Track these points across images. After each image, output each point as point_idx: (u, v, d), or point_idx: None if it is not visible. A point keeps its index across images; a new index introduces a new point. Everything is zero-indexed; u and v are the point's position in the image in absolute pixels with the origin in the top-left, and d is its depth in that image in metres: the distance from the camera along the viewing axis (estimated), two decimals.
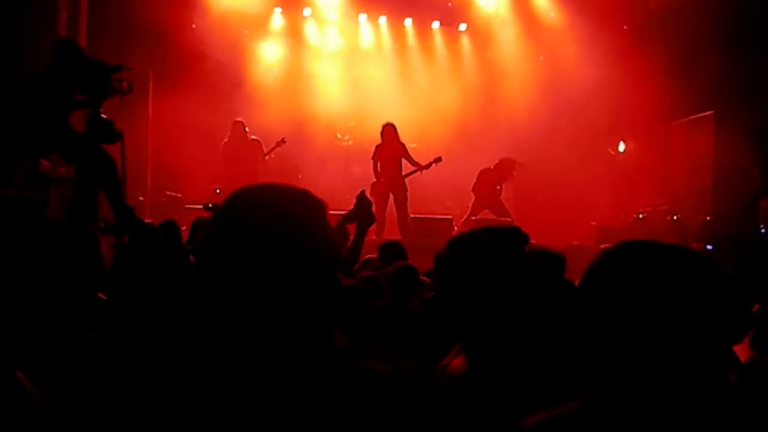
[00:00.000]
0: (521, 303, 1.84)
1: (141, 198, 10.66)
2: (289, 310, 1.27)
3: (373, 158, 11.46)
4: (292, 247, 1.27)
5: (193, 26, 12.65)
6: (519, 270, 1.94)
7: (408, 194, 11.44)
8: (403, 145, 11.42)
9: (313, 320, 1.30)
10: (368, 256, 5.97)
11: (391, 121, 11.51)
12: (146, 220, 7.71)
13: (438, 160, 11.54)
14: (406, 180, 11.48)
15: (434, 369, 2.16)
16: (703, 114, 12.28)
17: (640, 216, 11.78)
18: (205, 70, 12.20)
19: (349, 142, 14.16)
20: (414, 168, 11.47)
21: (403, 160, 11.39)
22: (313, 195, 1.38)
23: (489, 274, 1.92)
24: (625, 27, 13.40)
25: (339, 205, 12.37)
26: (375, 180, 11.37)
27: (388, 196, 11.21)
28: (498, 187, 12.07)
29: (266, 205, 1.33)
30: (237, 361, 1.23)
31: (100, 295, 2.72)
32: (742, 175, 11.13)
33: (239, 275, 1.26)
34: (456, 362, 2.10)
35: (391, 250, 5.84)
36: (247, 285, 1.26)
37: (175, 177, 11.56)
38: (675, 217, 11.35)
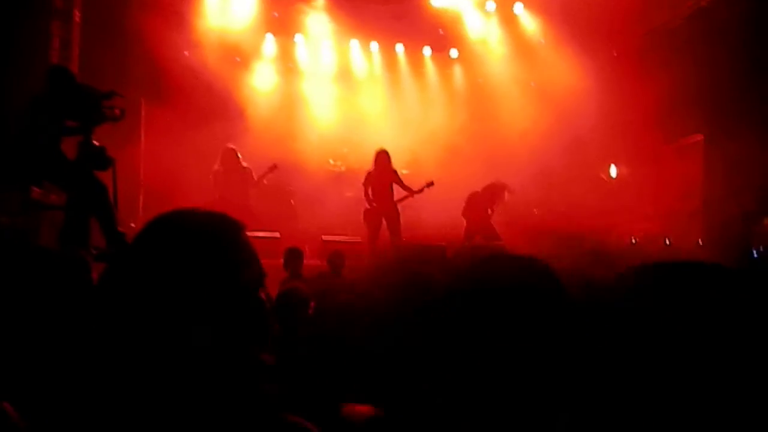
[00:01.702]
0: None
1: (133, 225, 10.60)
2: (209, 332, 1.26)
3: (364, 184, 11.47)
4: (209, 266, 1.28)
5: (186, 53, 12.70)
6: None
7: (401, 220, 11.45)
8: (395, 171, 11.43)
9: (235, 342, 1.29)
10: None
11: (383, 146, 11.54)
12: None
13: (430, 184, 11.55)
14: (399, 206, 11.50)
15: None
16: (693, 138, 12.39)
17: (633, 240, 11.80)
18: (196, 97, 12.21)
19: (342, 168, 14.17)
20: (406, 193, 11.50)
21: (395, 186, 11.41)
22: (230, 216, 1.39)
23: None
24: (615, 53, 13.54)
25: (333, 229, 12.50)
26: (367, 206, 11.38)
27: (381, 222, 11.20)
28: (489, 210, 12.07)
29: (183, 229, 1.34)
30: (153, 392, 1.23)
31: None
32: (733, 197, 11.20)
33: (154, 297, 1.26)
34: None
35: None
36: (162, 307, 1.25)
37: (168, 204, 11.48)
38: (667, 241, 11.38)
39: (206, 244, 1.31)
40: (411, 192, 11.50)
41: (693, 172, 12.42)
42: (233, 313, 1.29)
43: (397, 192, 11.51)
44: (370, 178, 11.31)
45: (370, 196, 11.28)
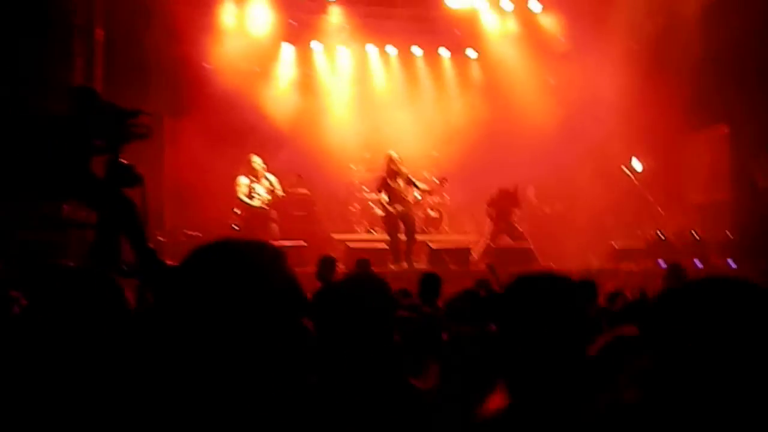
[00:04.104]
0: (575, 348, 1.84)
1: (161, 238, 10.71)
2: (256, 359, 1.30)
3: (377, 189, 11.55)
4: (253, 296, 1.32)
5: (205, 65, 12.79)
6: (582, 322, 1.94)
7: (417, 220, 11.62)
8: (407, 173, 11.44)
9: (281, 368, 1.33)
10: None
11: (403, 148, 11.69)
12: (168, 261, 7.73)
13: (443, 181, 11.70)
14: (418, 207, 11.65)
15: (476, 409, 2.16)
16: (718, 128, 12.28)
17: (660, 235, 11.70)
18: (217, 109, 12.28)
19: (364, 173, 14.21)
20: (421, 194, 11.64)
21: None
22: (271, 245, 1.45)
23: (554, 326, 1.92)
24: (633, 44, 13.42)
25: (358, 234, 12.56)
26: (384, 211, 11.41)
27: (399, 226, 11.24)
28: (513, 212, 12.03)
29: (227, 259, 1.38)
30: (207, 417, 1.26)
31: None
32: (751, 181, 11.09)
33: (202, 328, 1.31)
34: (497, 400, 2.09)
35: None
36: (211, 337, 1.30)
37: (193, 215, 11.65)
38: (696, 235, 11.27)
39: (251, 275, 1.35)
40: (425, 191, 11.61)
41: (719, 163, 12.32)
42: (278, 340, 1.32)
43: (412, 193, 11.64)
44: (384, 182, 11.34)
45: (385, 200, 11.32)
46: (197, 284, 1.36)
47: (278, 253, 1.43)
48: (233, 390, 1.29)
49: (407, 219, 11.27)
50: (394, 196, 11.23)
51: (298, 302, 1.41)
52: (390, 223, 11.31)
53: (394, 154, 11.30)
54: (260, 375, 1.30)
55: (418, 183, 11.52)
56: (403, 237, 11.20)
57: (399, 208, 11.19)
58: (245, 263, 1.38)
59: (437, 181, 12.61)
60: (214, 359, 1.30)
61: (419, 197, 11.80)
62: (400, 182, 11.25)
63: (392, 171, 11.23)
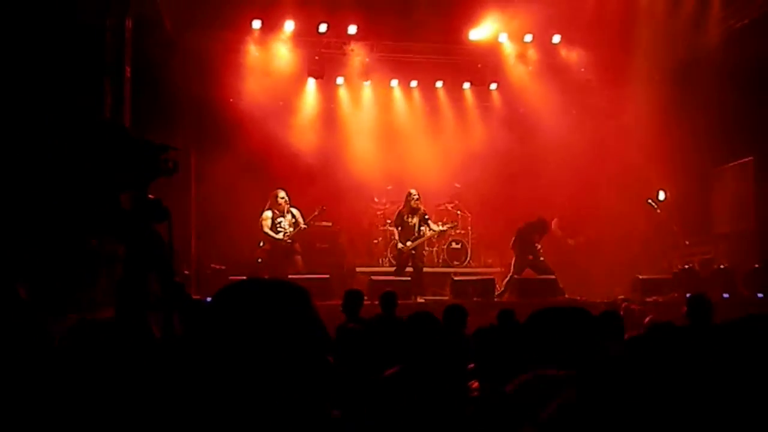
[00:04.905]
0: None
1: (186, 272, 10.83)
2: (280, 394, 1.36)
3: (394, 224, 11.98)
4: (278, 335, 1.39)
5: (231, 101, 12.99)
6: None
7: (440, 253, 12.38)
8: (424, 212, 11.76)
9: (304, 403, 1.38)
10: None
11: (427, 180, 11.82)
12: (194, 295, 7.81)
13: (454, 225, 12.08)
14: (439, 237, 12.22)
15: None
16: (743, 160, 12.21)
17: (686, 266, 11.59)
18: (243, 143, 12.44)
19: (386, 206, 14.26)
20: (430, 233, 11.79)
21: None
22: (294, 284, 1.50)
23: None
24: (656, 75, 13.41)
25: (381, 266, 12.63)
26: (400, 244, 11.64)
27: (408, 260, 11.69)
28: (537, 244, 11.97)
29: (251, 299, 1.45)
30: None
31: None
32: None
33: (230, 363, 1.37)
34: None
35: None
36: (237, 372, 1.36)
37: (219, 249, 11.78)
38: (721, 266, 11.16)
39: (276, 314, 1.40)
40: (436, 231, 11.96)
41: (744, 193, 12.23)
42: (302, 376, 1.37)
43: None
44: (401, 218, 11.71)
45: (397, 236, 11.70)
46: (223, 324, 1.40)
47: (303, 293, 1.47)
48: (256, 423, 1.33)
49: (416, 256, 11.69)
50: (409, 233, 11.58)
51: (321, 339, 1.45)
52: (400, 257, 11.71)
53: (414, 193, 11.67)
54: (283, 409, 1.34)
55: (431, 224, 11.86)
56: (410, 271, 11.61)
57: (410, 244, 11.56)
58: (270, 303, 1.42)
59: (459, 214, 12.72)
60: (238, 393, 1.34)
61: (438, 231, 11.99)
62: (416, 220, 11.63)
63: (410, 208, 11.61)
